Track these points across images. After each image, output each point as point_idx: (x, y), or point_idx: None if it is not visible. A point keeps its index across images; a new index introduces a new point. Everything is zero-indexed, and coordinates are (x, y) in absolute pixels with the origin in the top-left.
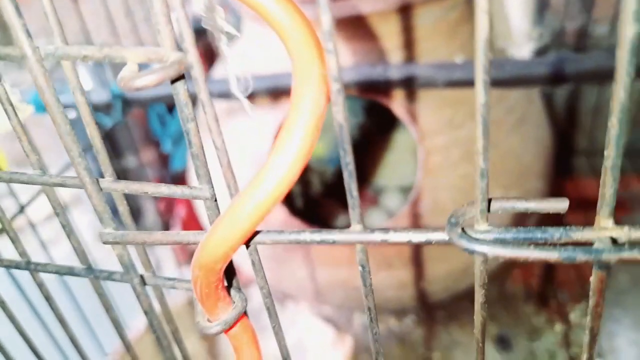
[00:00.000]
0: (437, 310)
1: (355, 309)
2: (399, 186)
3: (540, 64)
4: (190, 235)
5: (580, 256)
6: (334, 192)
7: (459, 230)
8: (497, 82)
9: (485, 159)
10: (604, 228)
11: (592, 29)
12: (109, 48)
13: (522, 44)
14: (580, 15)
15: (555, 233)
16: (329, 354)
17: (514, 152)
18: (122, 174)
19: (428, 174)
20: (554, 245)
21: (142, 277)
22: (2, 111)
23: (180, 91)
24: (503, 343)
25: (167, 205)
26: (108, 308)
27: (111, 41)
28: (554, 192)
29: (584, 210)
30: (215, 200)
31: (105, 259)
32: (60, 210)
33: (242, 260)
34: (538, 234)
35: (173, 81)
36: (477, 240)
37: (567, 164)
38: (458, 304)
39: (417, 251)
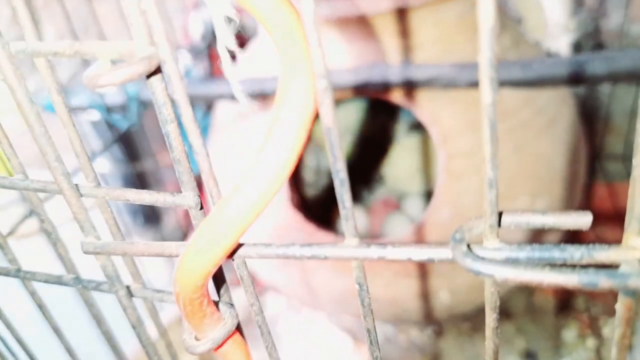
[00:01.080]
0: (461, 322)
1: (376, 319)
2: (421, 191)
3: (572, 63)
4: (172, 247)
5: (604, 281)
6: (354, 194)
7: (464, 247)
8: (524, 83)
9: (494, 167)
10: (633, 248)
11: (628, 28)
12: (80, 44)
13: (558, 37)
14: (616, 13)
15: (575, 253)
16: None
17: (543, 156)
18: (139, 177)
19: (450, 178)
20: (574, 266)
21: (128, 288)
22: None
23: (156, 89)
24: (530, 358)
25: (187, 213)
26: (99, 320)
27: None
28: (587, 199)
29: (620, 220)
30: (201, 209)
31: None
32: (44, 217)
33: (258, 268)
34: (555, 253)
35: (149, 77)
36: (484, 259)
37: (600, 169)
38: (484, 316)
39: None
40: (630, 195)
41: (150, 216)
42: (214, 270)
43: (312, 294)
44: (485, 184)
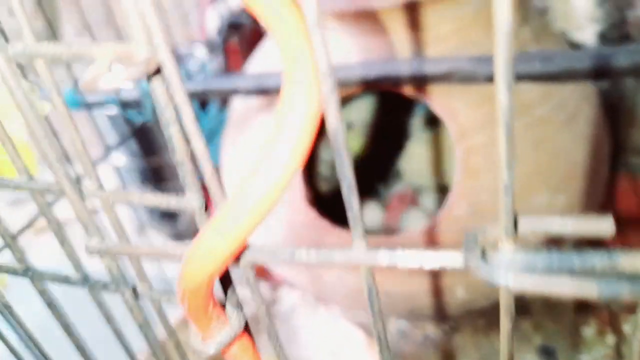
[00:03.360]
0: (477, 318)
1: (390, 314)
2: (439, 185)
3: (595, 56)
4: (176, 249)
5: (627, 292)
6: (370, 188)
7: (478, 254)
8: (545, 77)
9: (510, 173)
10: None
11: None
12: (78, 46)
13: (585, 27)
14: None
15: (595, 260)
16: None
17: (564, 151)
18: (155, 170)
19: (467, 175)
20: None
21: (134, 289)
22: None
23: (156, 91)
24: (547, 355)
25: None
26: (109, 318)
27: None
28: (609, 194)
29: None
30: (207, 210)
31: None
32: (50, 217)
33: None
34: (575, 261)
35: (149, 78)
36: (499, 267)
37: (624, 163)
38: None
39: None
40: None
41: (167, 211)
42: (218, 274)
43: (326, 289)
44: (501, 189)
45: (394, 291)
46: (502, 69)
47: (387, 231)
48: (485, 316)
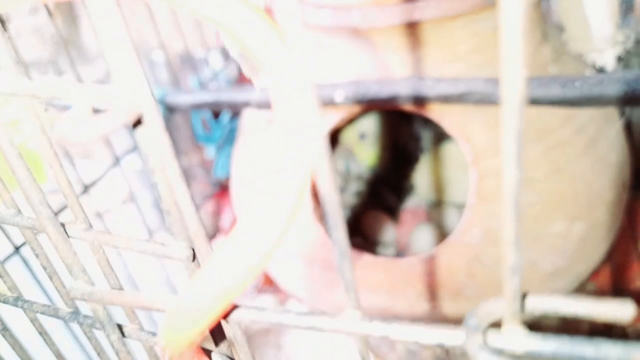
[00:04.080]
0: None
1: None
2: (452, 202)
3: (619, 81)
4: (161, 300)
5: None
6: (381, 201)
7: (480, 337)
8: (565, 102)
9: (517, 253)
10: None
11: None
12: (58, 86)
13: (604, 50)
14: None
15: (611, 351)
16: None
17: (583, 177)
18: None
19: (481, 199)
20: None
21: (121, 329)
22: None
23: (141, 138)
24: None
25: (217, 208)
26: (99, 352)
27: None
28: (630, 220)
29: None
30: (194, 260)
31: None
32: (38, 252)
33: (280, 276)
34: (588, 350)
35: (134, 125)
36: (500, 353)
37: None
38: None
39: (465, 284)
40: None
41: None
42: (203, 332)
43: (334, 308)
44: (507, 270)
45: (403, 315)
46: (509, 143)
47: (399, 247)
48: None
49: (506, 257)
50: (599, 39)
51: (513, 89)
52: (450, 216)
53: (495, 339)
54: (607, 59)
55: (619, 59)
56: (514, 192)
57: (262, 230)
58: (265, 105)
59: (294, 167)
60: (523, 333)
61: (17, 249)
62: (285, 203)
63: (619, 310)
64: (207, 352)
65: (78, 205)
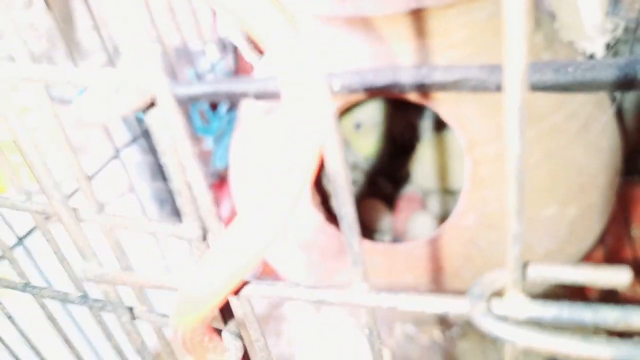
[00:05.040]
0: None
1: (396, 319)
2: (447, 189)
3: (610, 66)
4: (174, 279)
5: None
6: (377, 190)
7: (484, 305)
8: (557, 87)
9: (521, 220)
10: None
11: None
12: (72, 71)
13: (594, 37)
14: None
15: (609, 316)
16: None
17: (575, 162)
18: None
19: (476, 185)
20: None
21: (132, 311)
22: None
23: (153, 121)
24: None
25: (216, 199)
26: (108, 336)
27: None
28: (622, 206)
29: None
30: (205, 240)
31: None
32: (49, 237)
33: (280, 266)
34: (587, 315)
35: (145, 110)
36: (505, 320)
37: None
38: None
39: (462, 267)
40: None
41: (177, 208)
42: (215, 309)
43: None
44: (509, 238)
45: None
46: (512, 114)
47: (396, 234)
48: None
49: (509, 226)
50: (589, 27)
51: (515, 71)
52: (445, 203)
53: (499, 306)
54: (597, 46)
55: (608, 46)
56: (516, 166)
57: (273, 206)
58: (263, 95)
59: (304, 145)
60: (525, 300)
61: (20, 239)
62: (294, 181)
63: (615, 276)
64: (217, 331)
65: (89, 189)
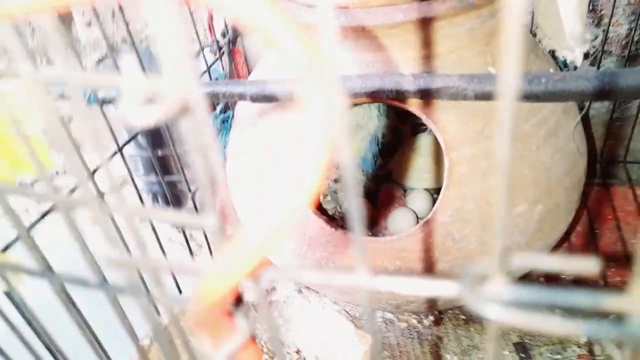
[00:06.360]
0: (459, 313)
1: (376, 308)
2: (427, 188)
3: (582, 78)
4: (193, 265)
5: (612, 334)
6: (361, 188)
7: (474, 288)
8: (530, 96)
9: (507, 216)
10: None
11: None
12: (106, 75)
13: (573, 47)
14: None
15: (582, 299)
16: (349, 350)
17: (543, 165)
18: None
19: (453, 184)
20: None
21: (150, 294)
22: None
23: (184, 125)
24: (523, 352)
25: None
26: (122, 319)
27: None
28: (589, 205)
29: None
30: (222, 229)
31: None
32: (73, 226)
33: (272, 257)
34: (562, 297)
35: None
36: (490, 301)
37: (604, 174)
38: None
39: (439, 259)
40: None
41: (169, 200)
42: (231, 293)
43: (322, 285)
44: (497, 230)
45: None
46: (504, 120)
47: (376, 228)
48: (466, 312)
49: (497, 219)
50: (569, 37)
51: (509, 81)
52: (423, 200)
53: (486, 289)
54: (576, 55)
55: (586, 55)
56: (505, 165)
57: (290, 200)
58: (260, 98)
59: (320, 142)
60: (509, 284)
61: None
62: (311, 175)
63: (586, 265)
64: (229, 314)
65: (112, 180)
